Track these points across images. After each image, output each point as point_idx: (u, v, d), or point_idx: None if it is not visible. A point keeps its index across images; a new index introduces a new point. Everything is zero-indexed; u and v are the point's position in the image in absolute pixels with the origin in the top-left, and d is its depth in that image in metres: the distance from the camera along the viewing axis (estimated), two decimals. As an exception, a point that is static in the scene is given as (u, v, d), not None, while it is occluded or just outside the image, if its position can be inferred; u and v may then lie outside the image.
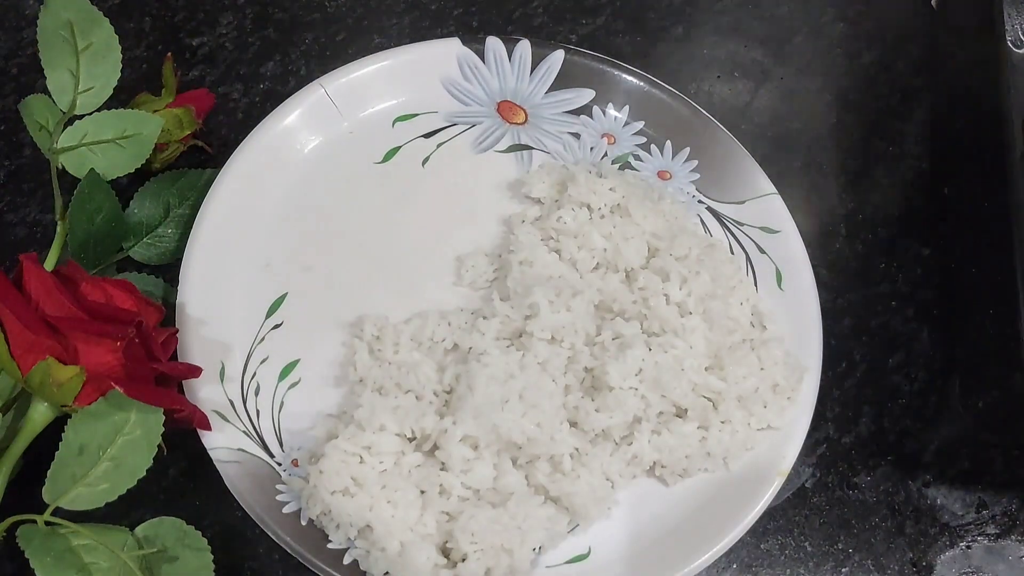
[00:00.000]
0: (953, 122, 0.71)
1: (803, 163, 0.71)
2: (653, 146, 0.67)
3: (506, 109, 0.68)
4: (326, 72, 0.66)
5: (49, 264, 0.56)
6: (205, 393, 0.55)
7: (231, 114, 0.68)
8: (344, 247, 0.62)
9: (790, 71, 0.75)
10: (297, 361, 0.58)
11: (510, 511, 0.52)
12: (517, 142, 0.67)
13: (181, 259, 0.59)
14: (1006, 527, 0.61)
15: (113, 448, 0.48)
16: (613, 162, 0.67)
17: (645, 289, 0.59)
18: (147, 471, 0.48)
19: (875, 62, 0.76)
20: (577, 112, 0.68)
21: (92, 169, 0.57)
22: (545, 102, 0.68)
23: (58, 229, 0.57)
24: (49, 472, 0.47)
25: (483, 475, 0.53)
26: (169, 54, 0.62)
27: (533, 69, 0.68)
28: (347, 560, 0.52)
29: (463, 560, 0.51)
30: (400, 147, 0.66)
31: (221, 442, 0.54)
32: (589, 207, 0.62)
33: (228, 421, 0.55)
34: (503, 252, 0.62)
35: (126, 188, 0.61)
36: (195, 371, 0.53)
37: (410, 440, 0.54)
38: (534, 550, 0.52)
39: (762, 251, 0.64)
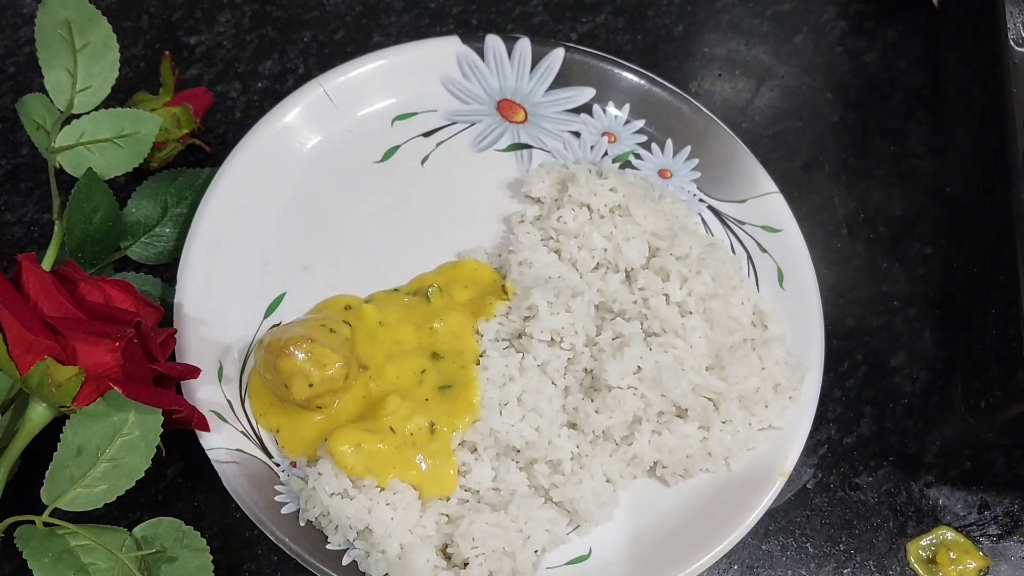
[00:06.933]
0: (955, 121, 0.70)
1: (805, 162, 0.71)
2: (654, 144, 0.67)
3: (506, 108, 0.67)
4: (325, 70, 0.65)
5: (47, 264, 0.56)
6: (203, 393, 0.55)
7: (229, 113, 0.68)
8: (343, 246, 0.62)
9: (791, 69, 0.74)
10: (296, 361, 0.58)
11: (511, 514, 0.52)
12: (517, 141, 0.67)
13: (179, 259, 0.59)
14: (1008, 527, 0.61)
15: (111, 449, 0.48)
16: (614, 160, 0.66)
17: (645, 289, 0.59)
18: (145, 472, 0.48)
19: (877, 60, 0.75)
20: (577, 110, 0.68)
21: (90, 168, 0.57)
22: (545, 100, 0.68)
23: (56, 228, 0.56)
24: (47, 473, 0.47)
25: (482, 477, 0.53)
26: (167, 53, 0.62)
27: (533, 67, 0.67)
28: (346, 561, 0.52)
29: (465, 565, 0.51)
30: (399, 146, 0.65)
31: (219, 443, 0.54)
32: (589, 207, 0.61)
33: (226, 421, 0.55)
34: (503, 252, 0.62)
35: (124, 187, 0.61)
36: (193, 371, 0.53)
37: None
38: (535, 552, 0.52)
39: (763, 250, 0.64)
